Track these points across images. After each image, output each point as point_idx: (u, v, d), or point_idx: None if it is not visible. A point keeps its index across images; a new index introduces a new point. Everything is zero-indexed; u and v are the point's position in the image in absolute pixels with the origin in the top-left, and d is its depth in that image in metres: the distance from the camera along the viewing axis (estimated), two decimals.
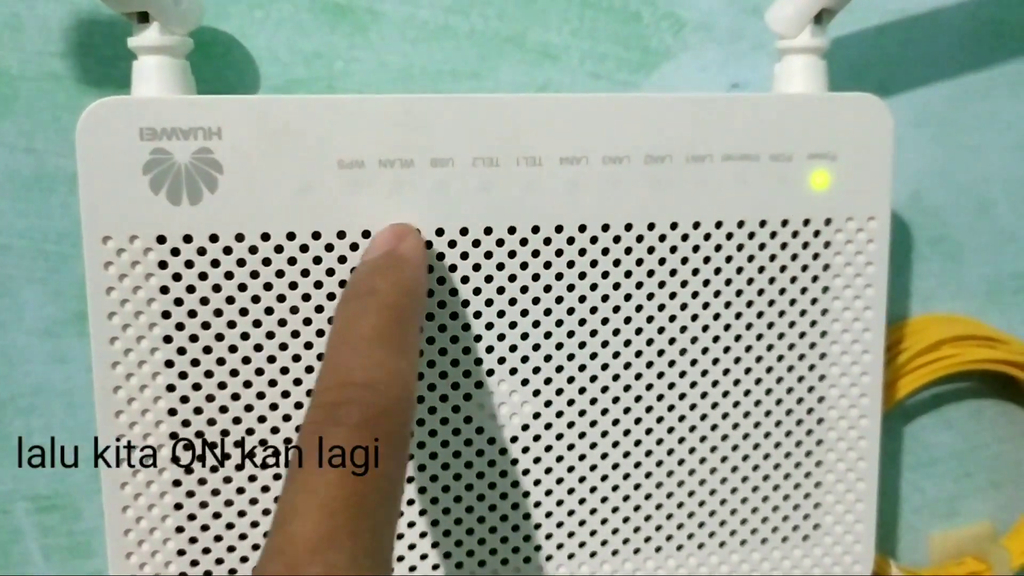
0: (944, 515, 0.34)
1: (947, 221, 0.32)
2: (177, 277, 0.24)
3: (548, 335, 0.25)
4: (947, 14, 0.31)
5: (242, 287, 0.24)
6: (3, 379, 0.27)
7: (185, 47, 0.25)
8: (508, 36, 0.28)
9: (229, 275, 0.24)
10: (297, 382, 0.24)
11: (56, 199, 0.27)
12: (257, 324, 0.24)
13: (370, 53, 0.28)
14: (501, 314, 0.25)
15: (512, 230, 0.25)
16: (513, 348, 0.25)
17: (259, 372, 0.24)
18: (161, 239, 0.23)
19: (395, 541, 0.17)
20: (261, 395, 0.24)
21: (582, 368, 0.26)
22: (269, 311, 0.24)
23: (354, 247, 0.24)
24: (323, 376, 0.19)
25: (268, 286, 0.24)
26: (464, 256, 0.25)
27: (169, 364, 0.24)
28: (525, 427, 0.26)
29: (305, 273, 0.24)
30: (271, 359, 0.24)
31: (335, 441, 0.17)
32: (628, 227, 0.25)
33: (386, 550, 0.17)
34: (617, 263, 0.25)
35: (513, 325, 0.25)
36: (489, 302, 0.25)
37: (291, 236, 0.24)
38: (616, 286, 0.25)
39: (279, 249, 0.24)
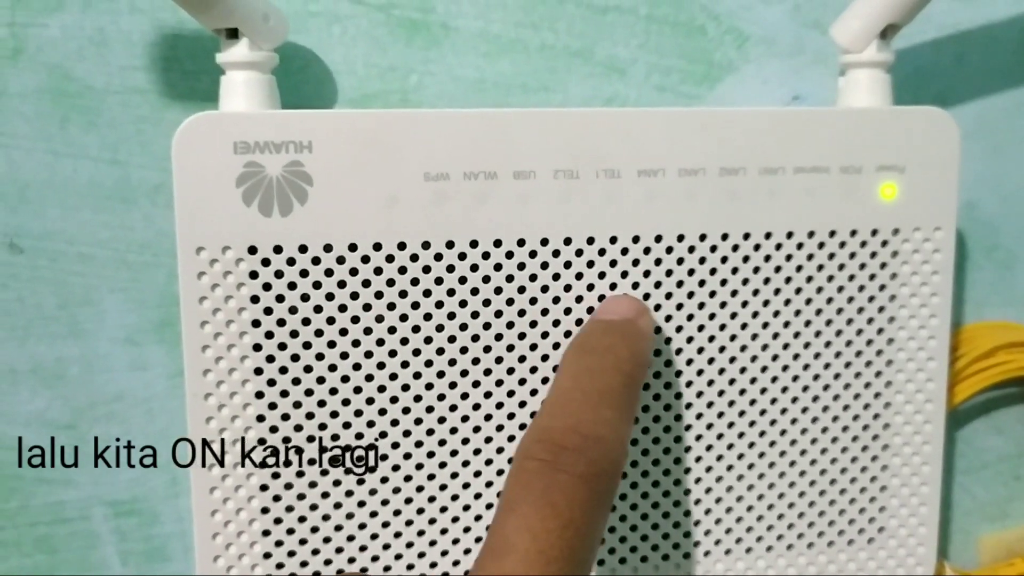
0: (994, 517, 0.35)
1: (1000, 231, 0.33)
2: (267, 287, 0.24)
3: None
4: (1000, 28, 0.31)
5: (329, 296, 0.24)
6: (84, 386, 0.28)
7: (272, 62, 0.25)
8: (577, 50, 0.29)
9: (317, 285, 0.24)
10: (381, 389, 0.25)
11: (138, 210, 0.27)
12: (343, 332, 0.25)
13: (443, 67, 0.28)
14: (579, 322, 0.26)
15: (591, 240, 0.25)
16: None
17: (344, 379, 0.25)
18: (252, 249, 0.24)
19: None
20: (347, 402, 0.25)
21: (656, 375, 0.26)
22: (355, 320, 0.25)
23: (438, 257, 0.25)
24: (551, 415, 0.20)
25: (355, 295, 0.24)
26: (544, 266, 0.25)
27: (258, 371, 0.24)
28: None
29: (391, 283, 0.25)
30: (356, 367, 0.25)
31: (558, 488, 0.18)
32: (703, 237, 0.26)
33: None
34: (692, 272, 0.26)
35: None
36: (568, 311, 0.26)
37: (377, 247, 0.24)
38: (690, 295, 0.26)
39: (366, 259, 0.24)
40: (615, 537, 0.27)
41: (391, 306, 0.25)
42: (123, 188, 0.27)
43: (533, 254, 0.25)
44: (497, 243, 0.25)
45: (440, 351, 0.25)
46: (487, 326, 0.25)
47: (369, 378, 0.25)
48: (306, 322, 0.24)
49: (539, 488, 0.18)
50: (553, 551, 0.17)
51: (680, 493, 0.27)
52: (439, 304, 0.25)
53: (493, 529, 0.18)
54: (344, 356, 0.25)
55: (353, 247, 0.24)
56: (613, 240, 0.25)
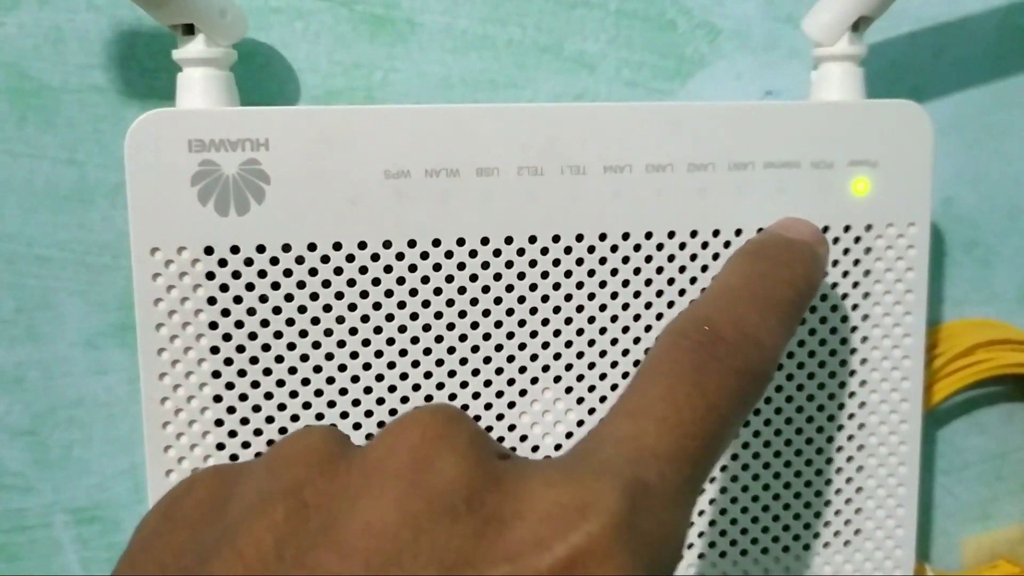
0: (977, 519, 0.34)
1: (979, 227, 0.32)
2: (224, 288, 0.24)
3: (592, 342, 0.25)
4: (978, 22, 0.31)
5: (288, 297, 0.24)
6: (44, 391, 0.27)
7: (230, 59, 0.25)
8: (545, 46, 0.28)
9: (276, 285, 0.24)
10: (343, 391, 0.24)
11: (97, 211, 0.27)
12: (303, 334, 0.24)
13: (409, 63, 0.28)
14: (545, 322, 0.25)
15: (556, 238, 0.25)
16: (557, 356, 0.25)
17: (305, 382, 0.24)
18: (209, 250, 0.23)
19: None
20: (307, 405, 0.24)
21: (625, 375, 0.26)
22: (315, 321, 0.24)
23: (400, 256, 0.24)
24: (714, 306, 0.19)
25: (314, 296, 0.24)
26: (508, 265, 0.25)
27: (216, 375, 0.24)
28: (569, 435, 0.26)
29: (351, 283, 0.24)
30: (317, 369, 0.24)
31: (709, 372, 0.17)
32: (671, 234, 0.25)
33: (697, 499, 0.16)
34: (660, 270, 0.25)
35: (557, 333, 0.25)
36: (533, 310, 0.25)
37: (337, 246, 0.24)
38: (659, 293, 0.26)
39: (325, 259, 0.24)
40: None
41: (352, 307, 0.24)
42: (81, 188, 0.27)
43: (497, 252, 0.25)
44: (460, 241, 0.24)
45: (403, 352, 0.25)
46: (451, 326, 0.25)
47: (330, 380, 0.24)
48: (264, 324, 0.24)
49: (689, 366, 0.17)
50: (693, 427, 0.16)
51: None
52: (401, 304, 0.24)
53: (630, 394, 0.16)
54: (304, 359, 0.24)
55: (312, 247, 0.24)
56: (579, 238, 0.25)
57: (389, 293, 0.24)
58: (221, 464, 0.16)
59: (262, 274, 0.24)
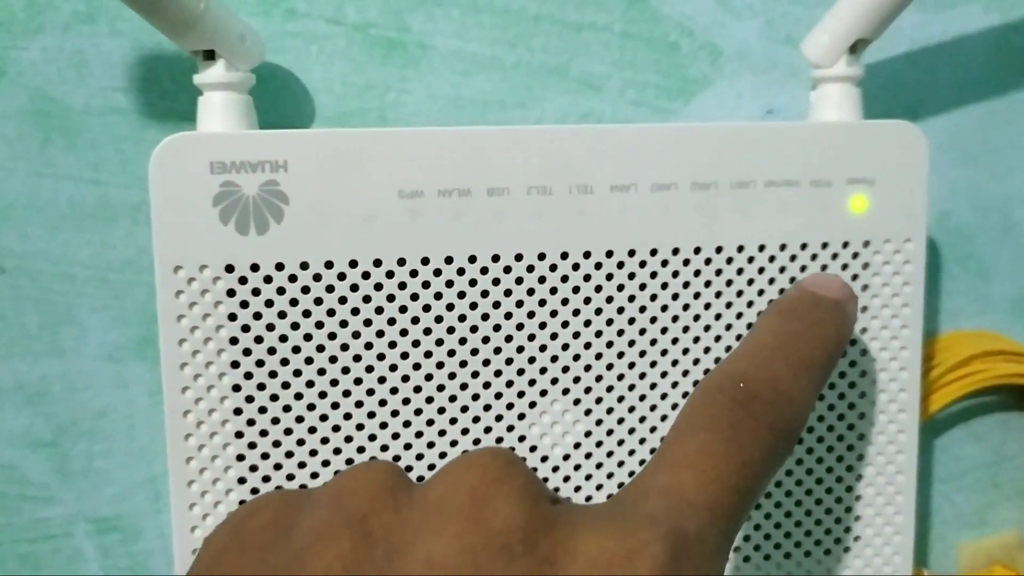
0: (973, 525, 0.35)
1: (974, 240, 0.33)
2: (244, 304, 0.24)
3: (599, 356, 0.26)
4: (972, 42, 0.32)
5: (306, 313, 0.25)
6: (66, 404, 0.28)
7: (248, 82, 0.26)
8: (553, 67, 0.29)
9: (294, 302, 0.25)
10: (359, 404, 0.25)
11: (119, 229, 0.28)
12: (320, 349, 0.25)
13: (420, 85, 0.29)
14: (554, 336, 0.26)
15: (564, 255, 0.26)
16: (565, 369, 0.26)
17: (322, 395, 0.25)
18: (229, 268, 0.24)
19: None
20: (324, 417, 0.25)
21: (631, 387, 0.27)
22: (332, 336, 0.25)
23: (414, 274, 0.25)
24: (750, 363, 0.19)
25: (331, 312, 0.25)
26: (519, 281, 0.26)
27: (236, 388, 0.25)
28: (577, 445, 0.27)
29: (367, 299, 0.25)
30: (334, 383, 0.25)
31: (745, 428, 0.17)
32: (675, 251, 0.26)
33: (729, 552, 0.17)
34: (665, 286, 0.26)
35: (565, 347, 0.26)
36: (543, 325, 0.26)
37: (353, 264, 0.25)
38: (663, 308, 0.26)
39: (342, 276, 0.25)
40: None
41: (367, 322, 0.25)
42: (104, 207, 0.28)
43: (507, 269, 0.25)
44: (472, 259, 0.25)
45: (416, 366, 0.25)
46: (463, 341, 0.25)
47: (347, 394, 0.25)
48: (283, 339, 0.25)
49: (726, 422, 0.18)
50: (729, 481, 0.16)
51: None
52: (415, 320, 0.25)
53: (669, 447, 0.17)
54: (321, 372, 0.25)
55: (329, 264, 0.25)
56: (587, 255, 0.26)
57: (403, 309, 0.25)
58: (286, 490, 0.17)
59: (281, 291, 0.24)
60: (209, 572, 0.15)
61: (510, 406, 0.26)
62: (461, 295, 0.25)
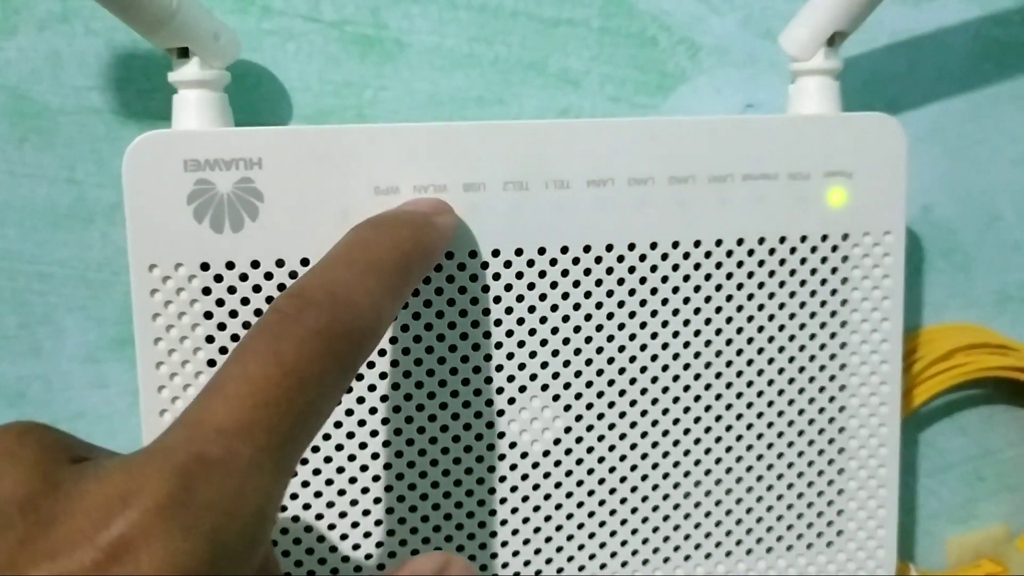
0: (960, 519, 0.35)
1: (957, 233, 0.33)
2: (220, 303, 0.24)
3: (578, 351, 0.26)
4: (953, 34, 0.32)
5: None
6: (45, 405, 0.28)
7: (223, 80, 0.25)
8: (530, 63, 0.29)
9: (270, 300, 0.24)
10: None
11: (96, 228, 0.28)
12: None
13: (398, 82, 0.29)
14: (532, 332, 0.26)
15: (542, 251, 0.26)
16: (544, 365, 0.26)
17: None
18: (205, 266, 0.24)
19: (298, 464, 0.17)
20: None
21: (611, 383, 0.27)
22: None
23: None
24: (311, 275, 0.19)
25: None
26: (496, 277, 0.25)
27: None
28: (557, 441, 0.26)
29: None
30: None
31: (289, 338, 0.17)
32: (653, 246, 0.26)
33: (292, 464, 0.16)
34: (643, 280, 0.26)
35: (544, 343, 0.26)
36: (520, 320, 0.26)
37: None
38: (643, 303, 0.26)
39: None
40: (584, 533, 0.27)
41: None
42: (80, 207, 0.27)
43: (485, 265, 0.25)
44: (448, 255, 0.25)
45: (394, 363, 0.25)
46: (440, 337, 0.25)
47: None
48: None
49: (270, 337, 0.17)
50: (267, 396, 0.16)
51: (638, 501, 0.27)
52: None
53: (213, 375, 0.17)
54: None
55: (305, 261, 0.25)
56: (564, 250, 0.26)
57: None
58: None
59: (257, 289, 0.24)
60: None
61: (489, 403, 0.26)
62: (438, 291, 0.25)
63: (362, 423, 0.25)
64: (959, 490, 0.35)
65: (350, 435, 0.25)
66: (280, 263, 0.24)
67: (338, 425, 0.25)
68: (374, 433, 0.25)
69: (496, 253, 0.25)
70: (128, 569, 0.13)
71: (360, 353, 0.18)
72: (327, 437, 0.25)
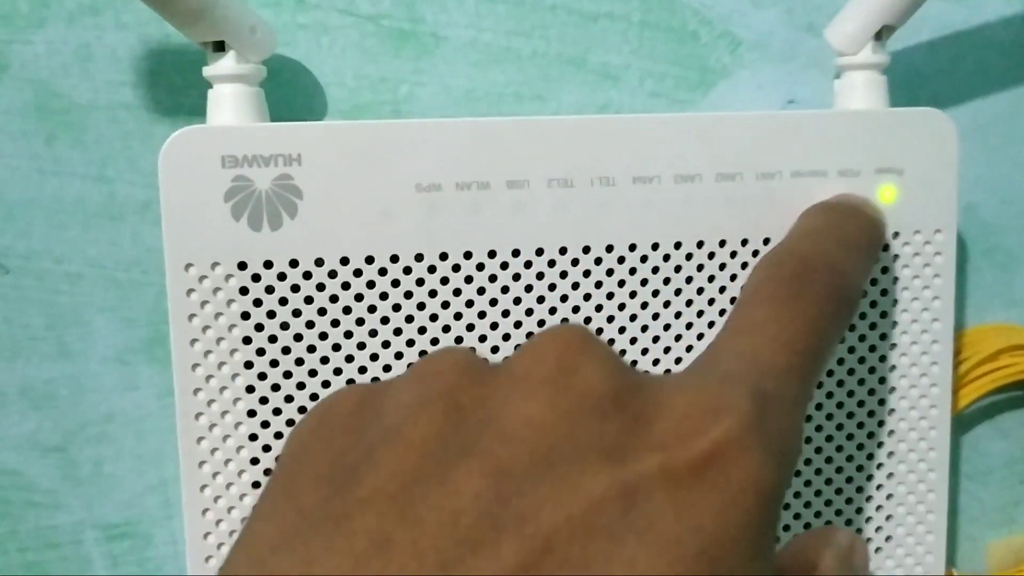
0: (1001, 523, 0.34)
1: (999, 232, 0.32)
2: (258, 303, 0.24)
3: (623, 353, 0.26)
4: (997, 29, 0.31)
5: (321, 311, 0.24)
6: (74, 407, 0.28)
7: (260, 75, 0.25)
8: (569, 58, 0.29)
9: (309, 300, 0.24)
10: None
11: (127, 227, 0.27)
12: (336, 348, 0.24)
13: (434, 77, 0.28)
14: None
15: (587, 250, 0.25)
16: None
17: None
18: (242, 265, 0.23)
19: None
20: None
21: None
22: (348, 335, 0.24)
23: (431, 270, 0.24)
24: (802, 241, 0.22)
25: (347, 310, 0.24)
26: (540, 276, 0.25)
27: (250, 389, 0.24)
28: None
29: (384, 296, 0.24)
30: (350, 383, 0.24)
31: (808, 297, 0.19)
32: (700, 244, 0.25)
33: (806, 410, 0.19)
34: (689, 280, 0.26)
35: None
36: (564, 321, 0.25)
37: (370, 260, 0.24)
38: (688, 303, 0.26)
39: (358, 273, 0.24)
40: None
41: (385, 320, 0.24)
42: (111, 205, 0.27)
43: (528, 264, 0.25)
44: (491, 254, 0.24)
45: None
46: (482, 338, 0.25)
47: None
48: (298, 338, 0.24)
49: (789, 292, 0.19)
50: (798, 345, 0.17)
51: None
52: (433, 317, 0.24)
53: (737, 317, 0.18)
54: (338, 372, 0.24)
55: (345, 261, 0.24)
56: (609, 249, 0.25)
57: (421, 305, 0.24)
58: (361, 383, 0.17)
59: (295, 288, 0.24)
60: (303, 455, 0.15)
61: None
62: (481, 291, 0.25)
63: None
64: (1000, 494, 0.34)
65: None
66: (319, 262, 0.24)
67: None
68: None
69: (540, 252, 0.25)
70: (725, 473, 0.14)
71: (850, 320, 0.21)
72: None
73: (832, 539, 0.18)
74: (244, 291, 0.24)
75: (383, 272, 0.24)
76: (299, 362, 0.24)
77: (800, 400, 0.17)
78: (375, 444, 0.14)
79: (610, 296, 0.25)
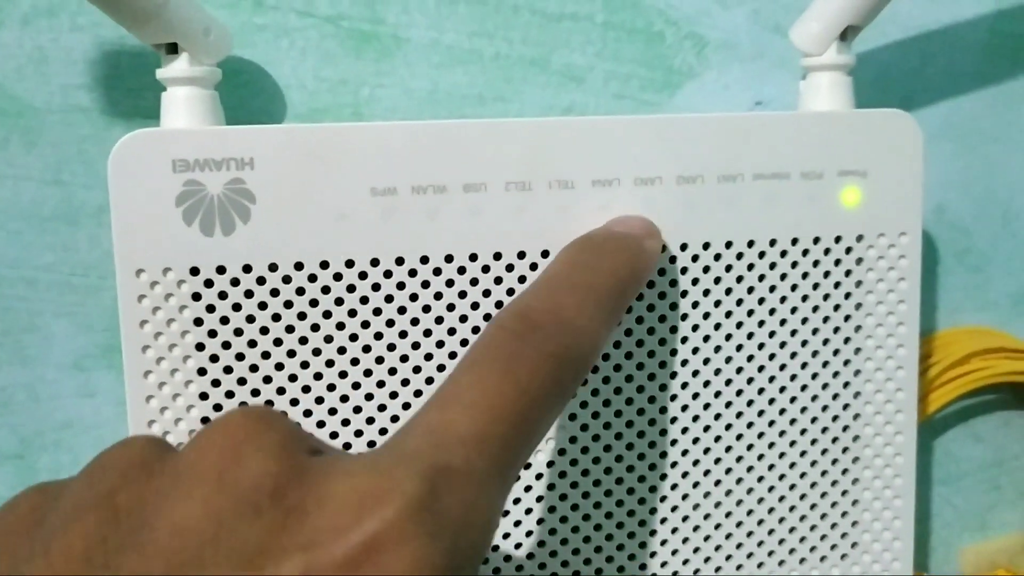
0: (975, 528, 0.34)
1: (971, 234, 0.32)
2: (211, 309, 0.23)
3: (607, 356, 0.25)
4: (966, 28, 0.31)
5: (276, 317, 0.24)
6: (31, 414, 0.27)
7: (214, 77, 0.24)
8: (533, 59, 0.28)
9: (263, 305, 0.24)
10: (332, 411, 0.24)
11: (83, 232, 0.27)
12: (291, 354, 0.24)
13: (396, 79, 0.28)
14: None
15: (546, 254, 0.25)
16: None
17: (294, 403, 0.24)
18: (195, 271, 0.23)
19: None
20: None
21: (618, 391, 0.26)
22: (303, 340, 0.24)
23: (387, 274, 0.24)
24: (534, 296, 0.20)
25: (302, 316, 0.24)
26: (498, 281, 0.24)
27: (204, 397, 0.24)
28: (562, 451, 0.25)
29: (339, 302, 0.24)
30: (305, 389, 0.24)
31: (523, 359, 0.17)
32: (661, 248, 0.25)
33: (513, 481, 0.17)
34: (651, 285, 0.25)
35: None
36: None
37: (324, 265, 0.24)
38: (650, 308, 0.25)
39: (313, 278, 0.24)
40: (591, 548, 0.26)
41: (340, 325, 0.24)
42: (66, 209, 0.27)
43: (486, 269, 0.24)
44: (448, 258, 0.24)
45: (392, 371, 0.24)
46: (440, 344, 0.24)
47: (319, 400, 0.24)
48: (252, 344, 0.24)
49: (504, 355, 0.17)
50: (504, 411, 0.16)
51: (646, 512, 0.26)
52: (390, 323, 0.24)
53: (445, 383, 0.17)
54: (293, 379, 0.24)
55: (299, 266, 0.24)
56: None
57: (377, 311, 0.24)
58: (45, 481, 0.17)
59: (249, 294, 0.23)
60: None
61: None
62: (438, 296, 0.24)
63: (347, 446, 0.24)
64: (974, 498, 0.34)
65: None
66: (273, 267, 0.23)
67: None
68: None
69: (498, 256, 0.24)
70: (379, 568, 0.13)
71: (579, 379, 0.19)
72: None
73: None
74: (197, 297, 0.23)
75: (338, 277, 0.24)
76: (253, 368, 0.24)
77: (497, 473, 0.16)
78: (24, 560, 0.14)
79: None
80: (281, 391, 0.24)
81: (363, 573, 0.13)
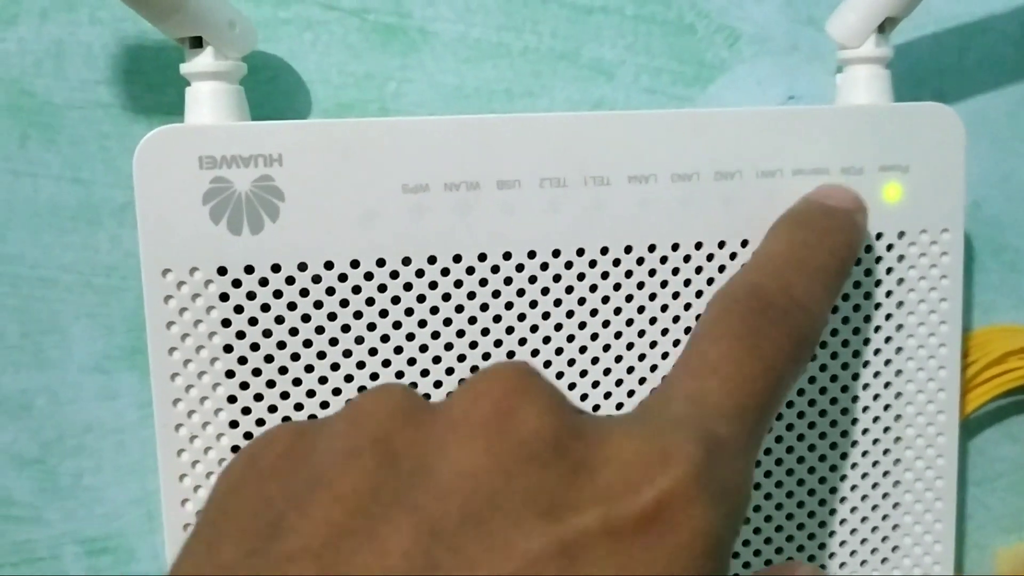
0: (1010, 529, 0.33)
1: (1007, 230, 0.31)
2: (239, 309, 0.23)
3: (619, 359, 0.25)
4: (1002, 21, 0.30)
5: (305, 317, 0.23)
6: (51, 418, 0.27)
7: (239, 72, 0.24)
8: (562, 53, 0.28)
9: (292, 305, 0.23)
10: None
11: (104, 231, 0.26)
12: (321, 356, 0.23)
13: (422, 73, 0.27)
14: (571, 338, 0.24)
15: (580, 252, 0.24)
16: (583, 374, 0.24)
17: (324, 406, 0.23)
18: (222, 270, 0.23)
19: None
20: None
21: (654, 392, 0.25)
22: (334, 342, 0.23)
23: (419, 273, 0.23)
24: (762, 273, 0.20)
25: (332, 316, 0.23)
26: (532, 280, 0.24)
27: (232, 400, 0.23)
28: None
29: (370, 302, 0.23)
30: (336, 392, 0.23)
31: (764, 335, 0.18)
32: (698, 246, 0.25)
33: (758, 454, 0.17)
34: (688, 283, 0.25)
35: (583, 349, 0.24)
36: (559, 326, 0.24)
37: (355, 264, 0.23)
38: (687, 307, 0.25)
39: (343, 278, 0.23)
40: None
41: (371, 326, 0.23)
42: (87, 208, 0.26)
43: (520, 267, 0.24)
44: (482, 257, 0.24)
45: (424, 372, 0.24)
46: (473, 344, 0.24)
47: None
48: (281, 346, 0.23)
49: (745, 329, 0.18)
50: (754, 386, 0.17)
51: None
52: (422, 323, 0.23)
53: (691, 356, 0.17)
54: (323, 381, 0.23)
55: (329, 265, 0.23)
56: (604, 251, 0.24)
57: (409, 311, 0.23)
58: (295, 421, 0.16)
59: (277, 294, 0.23)
60: (229, 500, 0.15)
61: None
62: (471, 295, 0.24)
63: None
64: (1009, 500, 0.33)
65: None
66: (302, 267, 0.23)
67: None
68: None
69: (532, 254, 0.24)
70: (670, 526, 0.13)
71: (808, 358, 0.19)
72: None
73: (795, 573, 0.18)
74: (224, 297, 0.23)
75: (369, 276, 0.23)
76: (282, 371, 0.23)
77: (752, 445, 0.16)
78: (303, 494, 0.14)
79: (605, 300, 0.24)
80: (311, 393, 0.23)
81: (657, 529, 0.13)
